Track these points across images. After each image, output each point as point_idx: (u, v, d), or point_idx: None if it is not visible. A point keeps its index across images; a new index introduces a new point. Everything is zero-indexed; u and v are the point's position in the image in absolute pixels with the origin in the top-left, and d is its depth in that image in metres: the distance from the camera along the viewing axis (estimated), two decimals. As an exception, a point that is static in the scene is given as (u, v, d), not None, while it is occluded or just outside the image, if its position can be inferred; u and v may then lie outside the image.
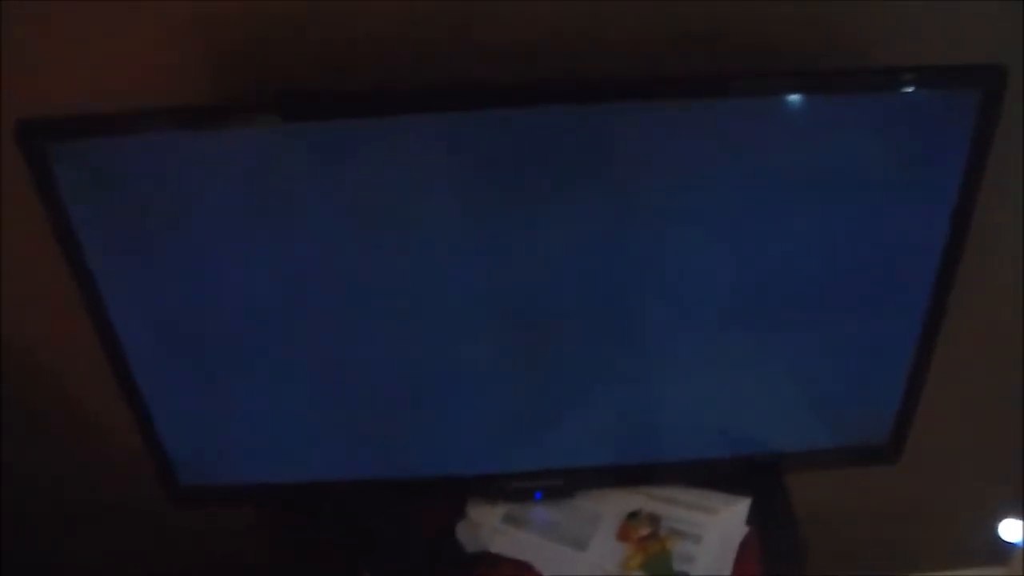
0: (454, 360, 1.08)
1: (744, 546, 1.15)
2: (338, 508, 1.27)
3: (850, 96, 0.90)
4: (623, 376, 1.10)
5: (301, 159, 0.93)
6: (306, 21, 1.01)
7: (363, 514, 1.26)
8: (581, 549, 1.17)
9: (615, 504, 1.21)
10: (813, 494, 1.24)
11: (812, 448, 1.17)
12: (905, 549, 1.61)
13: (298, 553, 1.24)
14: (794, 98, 0.90)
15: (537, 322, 1.05)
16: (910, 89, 0.89)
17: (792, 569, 1.17)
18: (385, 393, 1.11)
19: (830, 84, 0.90)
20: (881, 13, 1.00)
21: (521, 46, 1.02)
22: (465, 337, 1.06)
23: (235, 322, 1.04)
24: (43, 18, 1.00)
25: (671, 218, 0.97)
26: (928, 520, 1.56)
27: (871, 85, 0.90)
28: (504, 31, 1.01)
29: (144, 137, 0.91)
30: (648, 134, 0.91)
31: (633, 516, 1.19)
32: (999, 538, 1.53)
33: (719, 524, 1.17)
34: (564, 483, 1.21)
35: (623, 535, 1.17)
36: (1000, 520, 1.52)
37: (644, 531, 1.17)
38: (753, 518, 1.18)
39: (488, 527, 1.20)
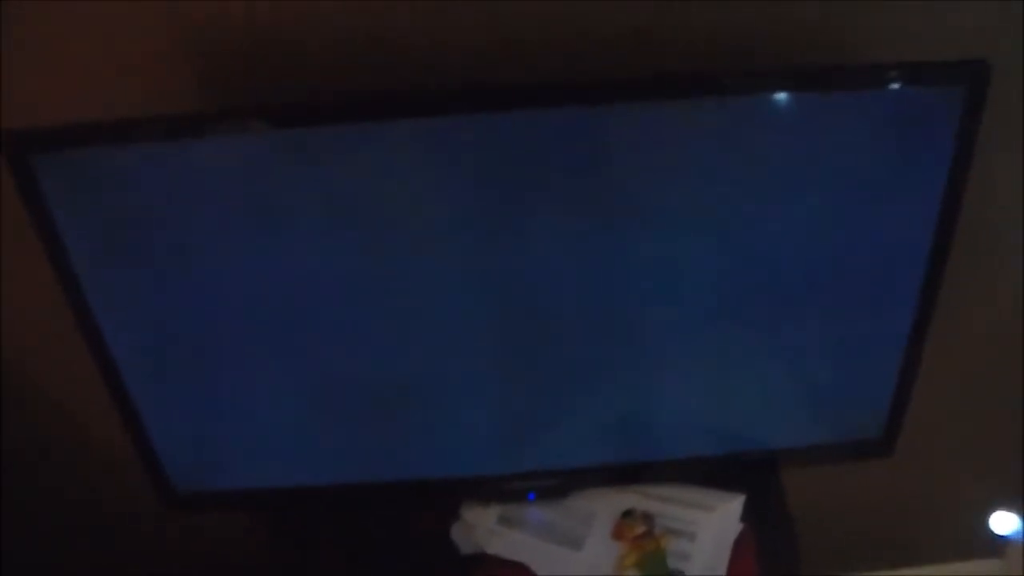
0: (447, 362, 1.08)
1: (739, 543, 1.15)
2: (333, 511, 1.27)
3: (836, 93, 0.90)
4: (616, 375, 1.10)
5: (292, 166, 0.93)
6: (296, 28, 1.01)
7: (358, 517, 1.26)
8: (576, 549, 1.17)
9: (609, 503, 1.21)
10: (807, 490, 1.25)
11: (806, 444, 1.17)
12: (899, 544, 1.62)
13: (294, 557, 1.24)
14: (781, 96, 0.90)
15: (530, 322, 1.05)
16: (895, 85, 0.89)
17: (787, 566, 1.17)
18: (378, 396, 1.10)
19: (816, 81, 0.90)
20: (869, 12, 1.00)
21: (512, 48, 1.02)
22: (458, 339, 1.06)
23: (227, 328, 1.04)
24: (31, 27, 1.01)
25: (660, 217, 0.97)
26: (922, 514, 1.57)
27: (857, 81, 0.90)
28: (496, 33, 1.02)
29: (131, 146, 0.91)
30: (636, 133, 0.91)
31: (627, 515, 1.19)
32: (991, 531, 1.54)
33: (714, 522, 1.17)
34: (558, 483, 1.21)
35: (618, 534, 1.17)
36: (993, 512, 1.52)
37: (639, 530, 1.17)
38: (747, 515, 1.18)
39: (483, 528, 1.20)
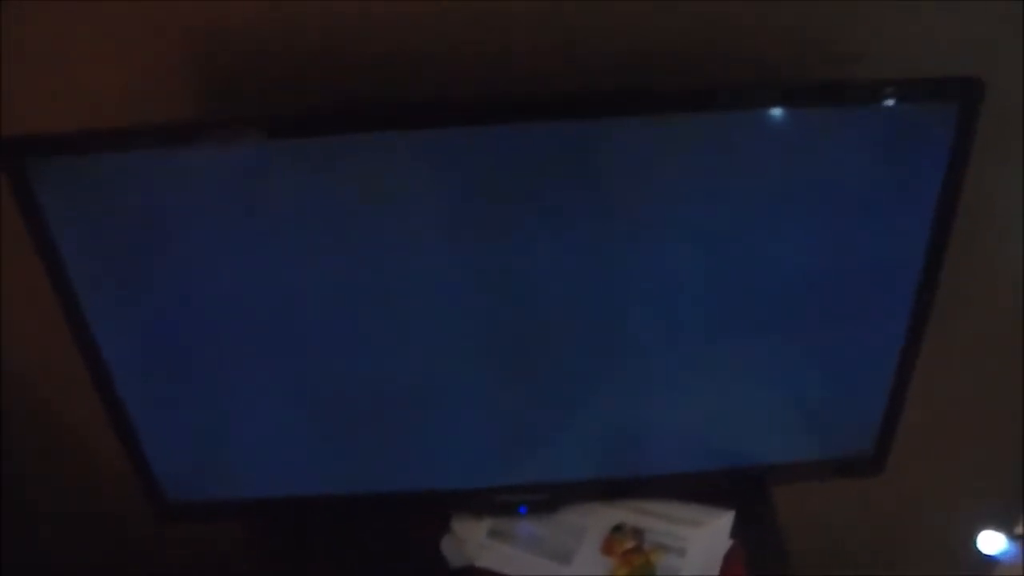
0: (440, 374, 1.07)
1: (728, 559, 1.15)
2: (324, 523, 1.26)
3: (830, 108, 0.91)
4: (607, 390, 1.10)
5: (290, 174, 0.93)
6: (294, 37, 1.01)
7: (349, 529, 1.25)
8: (566, 563, 1.16)
9: (599, 518, 1.21)
10: (797, 506, 1.25)
11: (796, 460, 1.18)
12: (888, 561, 1.62)
13: (285, 568, 1.23)
14: (775, 111, 0.91)
15: (522, 337, 1.05)
16: (889, 102, 0.90)
17: (777, 581, 1.17)
18: (370, 408, 1.10)
19: (810, 97, 0.91)
20: (863, 27, 1.01)
21: (512, 60, 1.03)
22: (451, 352, 1.06)
23: (221, 339, 1.04)
24: (30, 32, 1.01)
25: (654, 231, 0.97)
26: (911, 532, 1.57)
27: (850, 98, 0.91)
28: (498, 46, 1.02)
29: (127, 154, 0.91)
30: (631, 147, 0.92)
31: (617, 530, 1.19)
32: (978, 551, 1.54)
33: (703, 537, 1.17)
34: (549, 497, 1.21)
35: (607, 549, 1.17)
36: (980, 532, 1.52)
37: (628, 544, 1.17)
38: (737, 531, 1.18)
39: (473, 542, 1.20)
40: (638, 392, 1.11)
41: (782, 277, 1.01)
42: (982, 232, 1.13)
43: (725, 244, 0.99)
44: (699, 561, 1.15)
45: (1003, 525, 1.49)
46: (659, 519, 1.20)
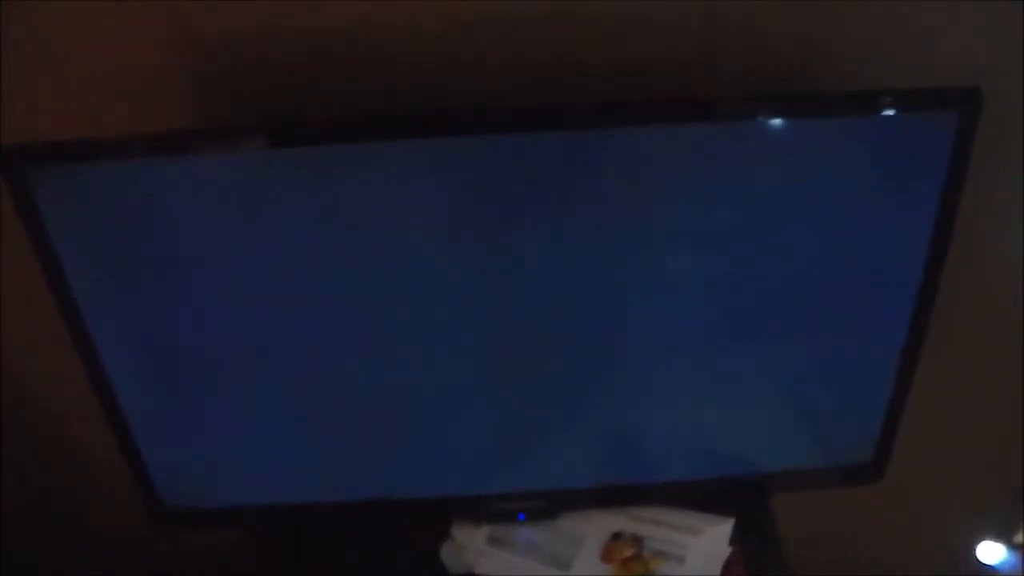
0: (439, 382, 1.08)
1: (728, 567, 1.15)
2: (323, 529, 1.26)
3: (829, 118, 0.91)
4: (607, 397, 1.10)
5: (287, 183, 0.93)
6: (293, 46, 1.02)
7: (347, 535, 1.25)
8: (565, 570, 1.16)
9: (599, 525, 1.21)
10: (797, 514, 1.25)
11: (795, 468, 1.18)
12: (887, 570, 1.61)
13: (282, 574, 1.22)
14: (775, 121, 0.91)
15: (521, 344, 1.05)
16: (888, 111, 0.90)
17: (775, 589, 1.17)
18: (369, 415, 1.10)
19: (809, 107, 0.91)
20: (865, 32, 1.02)
21: (512, 70, 1.03)
22: (450, 359, 1.06)
23: (219, 346, 1.04)
24: (30, 37, 1.01)
25: (653, 240, 0.98)
26: (910, 541, 1.56)
27: (849, 107, 0.91)
28: (496, 56, 1.02)
29: (126, 162, 0.91)
30: (630, 156, 0.92)
31: (616, 537, 1.19)
32: (978, 561, 1.54)
33: (703, 544, 1.17)
34: (548, 504, 1.21)
35: (607, 556, 1.17)
36: (980, 542, 1.52)
37: (628, 552, 1.17)
38: (737, 538, 1.17)
39: (472, 549, 1.20)
40: (637, 400, 1.11)
41: (782, 285, 1.01)
42: (982, 240, 1.13)
43: (725, 253, 0.99)
44: (698, 568, 1.15)
45: (1002, 534, 1.49)
46: (658, 526, 1.20)
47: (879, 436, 1.13)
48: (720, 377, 1.09)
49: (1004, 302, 1.23)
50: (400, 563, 1.21)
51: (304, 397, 1.08)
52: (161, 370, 1.06)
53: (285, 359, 1.05)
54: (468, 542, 1.20)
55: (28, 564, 1.45)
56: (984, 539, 1.51)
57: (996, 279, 1.21)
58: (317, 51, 1.02)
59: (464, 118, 0.92)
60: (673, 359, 1.07)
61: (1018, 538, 1.49)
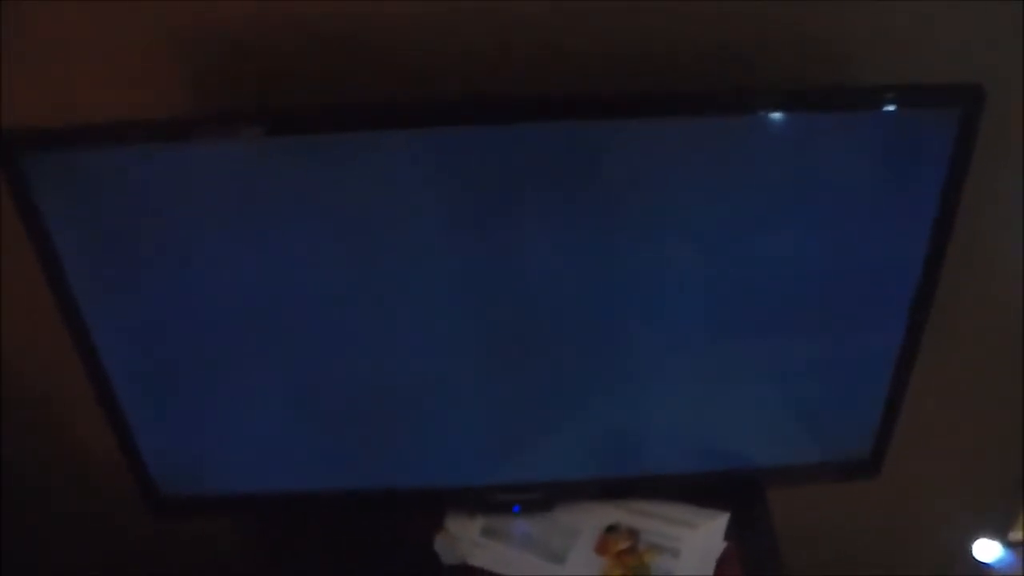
0: (435, 371, 1.07)
1: (723, 561, 1.15)
2: (318, 518, 1.26)
3: (831, 113, 0.91)
4: (604, 390, 1.10)
5: (284, 172, 0.93)
6: (291, 34, 1.01)
7: (342, 525, 1.25)
8: (559, 563, 1.16)
9: (594, 517, 1.21)
10: (793, 509, 1.25)
11: (792, 463, 1.18)
12: (883, 566, 1.62)
13: (277, 564, 1.23)
14: (776, 115, 0.90)
15: (518, 336, 1.05)
16: (891, 107, 0.89)
17: (771, 584, 1.17)
18: (366, 405, 1.10)
19: (811, 102, 0.91)
20: (866, 29, 1.01)
21: (510, 61, 1.02)
22: (446, 350, 1.06)
23: (215, 334, 1.04)
24: (29, 30, 1.01)
25: (653, 233, 0.97)
26: (907, 537, 1.57)
27: (852, 103, 0.91)
28: (492, 45, 1.02)
29: (122, 149, 0.91)
30: (631, 149, 0.92)
31: (612, 530, 1.19)
32: (974, 558, 1.54)
33: (698, 538, 1.17)
34: (543, 496, 1.21)
35: (601, 549, 1.17)
36: (976, 539, 1.52)
37: (623, 545, 1.17)
38: (732, 533, 1.17)
39: (466, 540, 1.20)
40: (634, 392, 1.10)
41: (780, 279, 1.01)
42: (981, 238, 1.13)
43: (724, 246, 0.98)
44: (693, 562, 1.15)
45: (998, 530, 1.49)
46: (654, 519, 1.20)
47: (877, 431, 1.13)
48: (718, 371, 1.09)
49: (1003, 300, 1.23)
50: (394, 553, 1.21)
51: (300, 386, 1.08)
52: (157, 359, 1.06)
53: (281, 349, 1.05)
54: (462, 533, 1.20)
55: (27, 557, 1.45)
56: (981, 536, 1.52)
57: (995, 277, 1.21)
58: (315, 39, 1.01)
59: (463, 108, 0.91)
60: (671, 353, 1.07)
61: (1015, 535, 1.49)
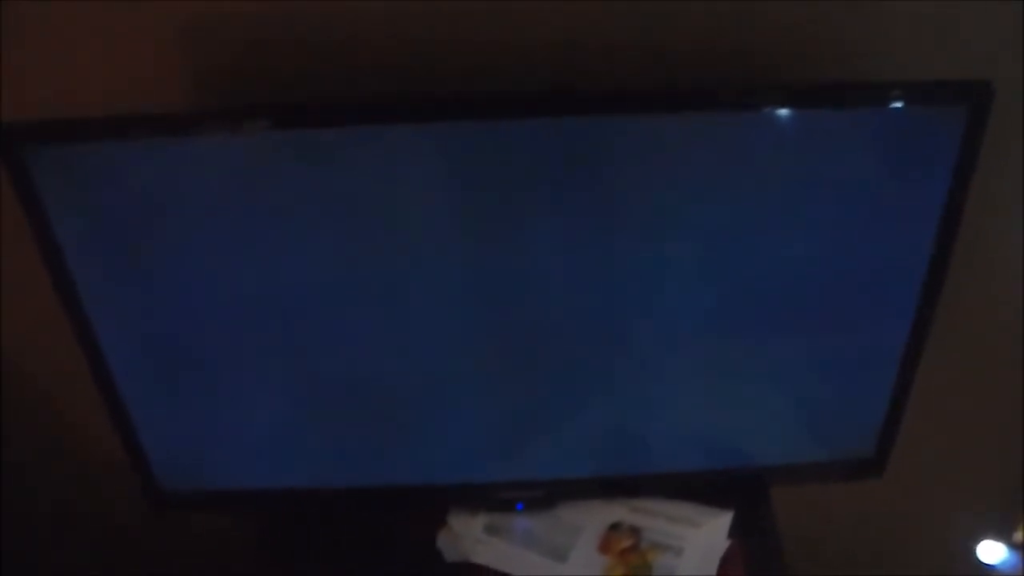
0: (438, 370, 1.07)
1: (726, 560, 1.15)
2: (320, 515, 1.26)
3: (838, 110, 0.91)
4: (607, 388, 1.10)
5: (286, 167, 0.92)
6: (294, 28, 1.01)
7: (344, 522, 1.25)
8: (562, 560, 1.16)
9: (597, 516, 1.21)
10: (796, 508, 1.24)
11: (796, 462, 1.17)
12: (887, 566, 1.61)
13: (279, 561, 1.23)
14: (783, 112, 0.90)
15: (521, 334, 1.04)
16: (898, 104, 0.89)
17: (774, 583, 1.17)
18: (368, 402, 1.10)
19: (817, 99, 0.90)
20: (873, 24, 1.01)
21: (513, 56, 1.02)
22: (449, 347, 1.05)
23: (218, 329, 1.04)
24: (31, 26, 1.01)
25: (656, 230, 0.97)
26: (911, 535, 1.56)
27: (859, 100, 0.90)
28: (496, 39, 1.01)
29: (125, 143, 0.91)
30: (635, 146, 0.91)
31: (615, 528, 1.19)
32: (978, 560, 1.54)
33: (701, 537, 1.17)
34: (546, 494, 1.21)
35: (604, 547, 1.17)
36: (980, 540, 1.52)
37: (625, 543, 1.16)
38: (735, 532, 1.17)
39: (469, 537, 1.19)
40: (638, 390, 1.10)
41: (785, 278, 1.01)
42: (985, 237, 1.13)
43: (728, 244, 0.98)
44: (696, 561, 1.14)
45: (1003, 531, 1.49)
46: (657, 518, 1.19)
47: (881, 431, 1.12)
48: (721, 369, 1.09)
49: (1007, 300, 1.23)
50: (397, 550, 1.21)
51: (302, 383, 1.08)
52: (159, 354, 1.06)
53: (284, 344, 1.05)
54: (465, 530, 1.20)
55: (27, 557, 1.45)
56: (984, 537, 1.51)
57: (999, 277, 1.21)
58: (318, 34, 1.01)
59: (466, 104, 0.91)
60: (675, 351, 1.07)
61: (1018, 536, 1.48)
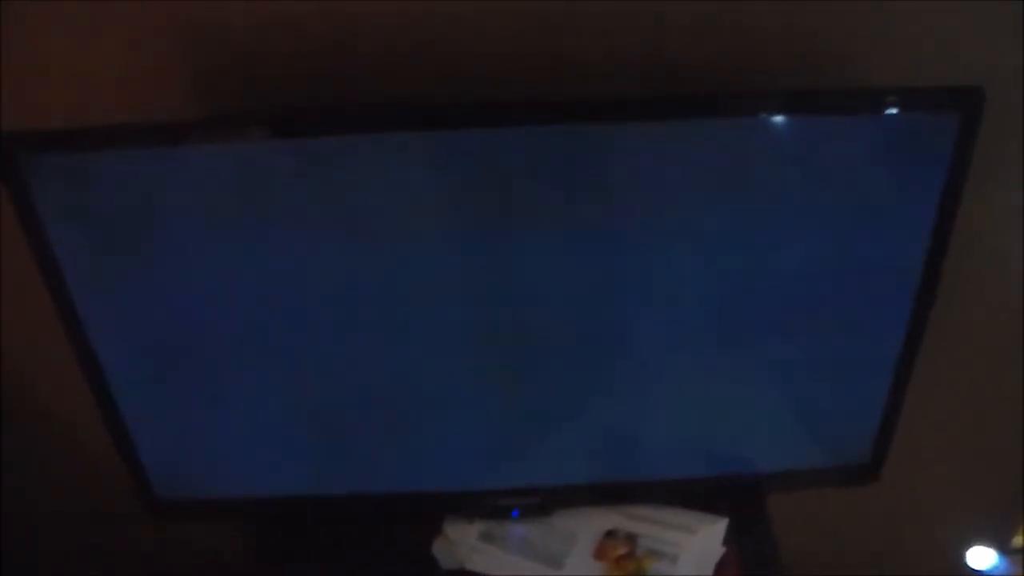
0: (433, 377, 1.07)
1: (721, 566, 1.15)
2: (314, 523, 1.25)
3: (831, 116, 0.91)
4: (602, 394, 1.10)
5: (281, 175, 0.93)
6: (288, 38, 1.01)
7: (339, 529, 1.25)
8: (557, 568, 1.16)
9: (592, 523, 1.21)
10: (792, 515, 1.24)
11: (791, 468, 1.17)
12: (883, 571, 1.61)
13: (275, 568, 1.22)
14: (775, 118, 0.91)
15: (516, 340, 1.04)
16: (891, 110, 0.90)
17: (769, 589, 1.17)
18: (364, 409, 1.10)
19: (810, 104, 0.91)
20: (864, 30, 1.02)
21: (511, 63, 1.02)
22: (445, 354, 1.05)
23: (213, 337, 1.03)
24: (30, 31, 1.01)
25: (651, 236, 0.97)
26: (906, 542, 1.56)
27: (851, 105, 0.91)
28: (494, 48, 1.02)
29: (121, 152, 0.91)
30: (630, 153, 0.92)
31: (610, 535, 1.18)
32: (968, 566, 1.54)
33: (696, 543, 1.17)
34: (541, 501, 1.20)
35: (599, 554, 1.17)
36: (978, 546, 1.53)
37: (621, 550, 1.16)
38: (731, 538, 1.17)
39: (464, 544, 1.19)
40: (632, 397, 1.10)
41: (780, 283, 1.01)
42: (980, 240, 1.14)
43: (723, 250, 0.98)
44: (691, 567, 1.14)
45: (998, 537, 1.49)
46: (652, 525, 1.19)
47: (876, 436, 1.13)
48: (716, 375, 1.09)
49: (1002, 304, 1.23)
50: (392, 558, 1.20)
51: (298, 391, 1.08)
52: (155, 361, 1.06)
53: (279, 353, 1.05)
54: (460, 538, 1.20)
55: (27, 558, 1.44)
56: (980, 543, 1.52)
57: (994, 281, 1.21)
58: (314, 42, 1.01)
59: (462, 111, 0.91)
60: (670, 357, 1.07)
61: (1017, 541, 1.49)
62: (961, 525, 1.50)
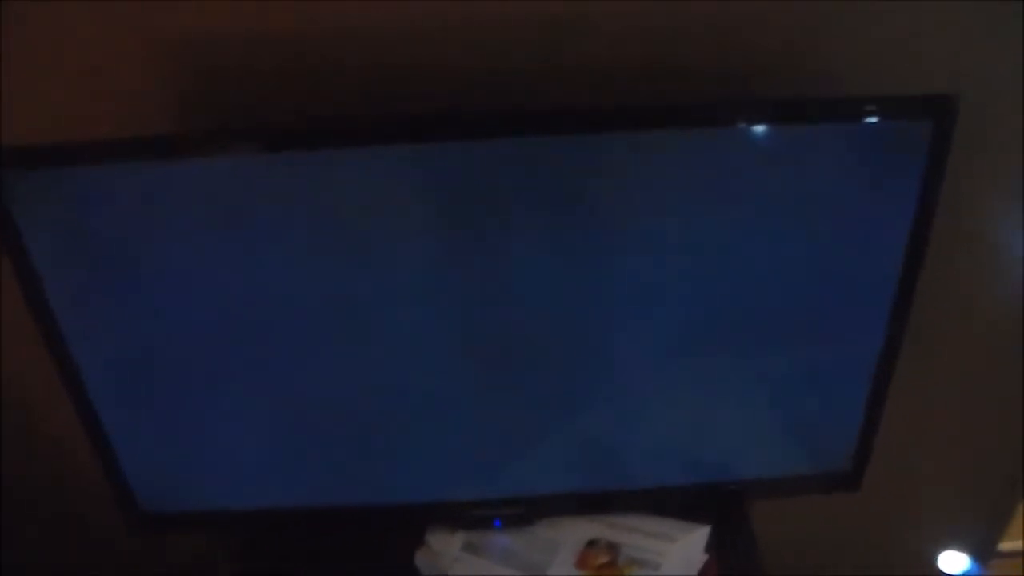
0: (416, 388, 1.07)
1: (703, 574, 1.15)
2: (297, 535, 1.25)
3: (804, 125, 0.92)
4: (584, 404, 1.10)
5: (269, 188, 0.92)
6: (275, 51, 1.01)
7: (323, 541, 1.24)
8: (540, 577, 1.16)
9: (574, 532, 1.21)
10: (773, 521, 1.25)
11: (773, 476, 1.18)
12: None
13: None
14: (751, 127, 0.91)
15: (499, 350, 1.05)
16: (864, 119, 0.91)
17: (751, 596, 1.17)
18: (346, 421, 1.10)
19: (785, 113, 0.92)
20: (839, 43, 1.03)
21: (498, 73, 1.03)
22: (426, 365, 1.05)
23: (197, 350, 1.03)
24: (14, 44, 1.00)
25: (631, 246, 0.98)
26: (888, 549, 1.57)
27: (825, 114, 0.92)
28: (483, 59, 1.02)
29: (103, 168, 0.90)
30: (612, 162, 0.92)
31: (592, 544, 1.19)
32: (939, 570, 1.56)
33: (678, 552, 1.17)
34: (524, 511, 1.21)
35: (582, 563, 1.17)
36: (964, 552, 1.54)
37: (603, 559, 1.17)
38: (712, 545, 1.18)
39: (447, 555, 1.19)
40: (615, 407, 1.11)
41: (759, 292, 1.02)
42: (962, 248, 1.15)
43: (702, 259, 0.99)
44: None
45: (981, 544, 1.51)
46: (634, 534, 1.20)
47: (857, 444, 1.13)
48: (697, 384, 1.09)
49: (983, 313, 1.25)
50: (375, 569, 1.20)
51: (282, 403, 1.07)
52: (137, 375, 1.05)
53: (263, 366, 1.04)
54: (443, 548, 1.20)
55: (17, 571, 1.43)
56: (963, 549, 1.53)
57: (975, 290, 1.23)
58: (301, 55, 1.01)
59: (450, 123, 0.92)
60: (651, 366, 1.08)
61: (1004, 546, 1.51)
62: (944, 531, 1.51)
